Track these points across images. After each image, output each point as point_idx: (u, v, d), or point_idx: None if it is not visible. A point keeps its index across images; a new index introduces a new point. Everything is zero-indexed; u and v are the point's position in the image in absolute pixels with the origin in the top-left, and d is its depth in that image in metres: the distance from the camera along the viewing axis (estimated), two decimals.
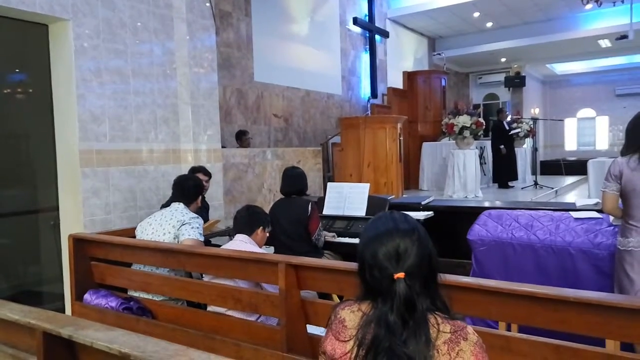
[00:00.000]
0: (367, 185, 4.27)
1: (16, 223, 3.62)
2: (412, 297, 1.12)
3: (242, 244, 2.74)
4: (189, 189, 3.16)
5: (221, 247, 2.94)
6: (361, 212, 4.04)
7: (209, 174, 3.97)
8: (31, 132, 3.70)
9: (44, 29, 3.56)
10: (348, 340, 1.16)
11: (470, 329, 1.15)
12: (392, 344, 1.09)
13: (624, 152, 2.67)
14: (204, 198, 3.98)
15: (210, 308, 2.68)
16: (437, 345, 1.10)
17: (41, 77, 3.60)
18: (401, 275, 1.13)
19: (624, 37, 9.55)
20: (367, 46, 9.78)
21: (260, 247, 2.91)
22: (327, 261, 2.92)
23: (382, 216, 1.28)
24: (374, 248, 1.17)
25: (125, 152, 3.84)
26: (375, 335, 1.11)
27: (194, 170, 3.88)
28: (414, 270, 1.14)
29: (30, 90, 3.74)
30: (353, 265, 2.03)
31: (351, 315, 1.20)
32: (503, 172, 8.84)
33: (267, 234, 2.98)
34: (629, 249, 2.59)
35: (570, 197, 8.49)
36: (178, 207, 3.06)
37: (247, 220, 2.86)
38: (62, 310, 3.55)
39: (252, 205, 3.02)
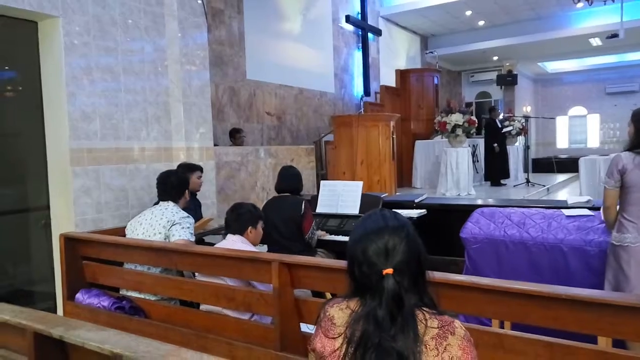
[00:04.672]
0: (361, 183, 4.27)
1: (6, 222, 3.58)
2: (401, 293, 1.13)
3: (234, 243, 2.72)
4: (173, 186, 3.09)
5: (214, 245, 2.93)
6: (354, 210, 4.04)
7: (202, 170, 3.94)
8: (21, 131, 3.65)
9: (33, 26, 3.51)
10: (337, 338, 1.17)
11: (457, 323, 1.16)
12: (382, 340, 1.10)
13: (631, 148, 2.63)
14: (195, 195, 3.96)
15: (203, 307, 2.66)
16: (425, 340, 1.11)
17: (31, 75, 3.56)
18: (390, 271, 1.14)
19: (614, 35, 9.61)
20: (360, 44, 9.78)
21: (256, 244, 2.87)
22: (321, 260, 2.91)
23: (372, 214, 1.29)
24: (364, 245, 1.19)
25: (116, 150, 3.81)
26: (364, 331, 1.12)
27: (189, 168, 3.81)
28: (403, 267, 1.16)
29: (20, 88, 3.70)
30: (346, 264, 2.03)
31: (340, 313, 1.21)
32: (495, 170, 8.88)
33: (261, 230, 2.93)
34: (625, 244, 2.58)
35: (562, 195, 8.55)
36: (168, 205, 3.03)
37: (235, 223, 2.82)
38: (54, 310, 3.51)
39: (238, 205, 2.92)
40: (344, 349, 1.14)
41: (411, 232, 1.21)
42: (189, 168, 3.81)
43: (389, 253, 1.16)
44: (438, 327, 1.13)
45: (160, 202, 3.08)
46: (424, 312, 1.15)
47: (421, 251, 1.21)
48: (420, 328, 1.11)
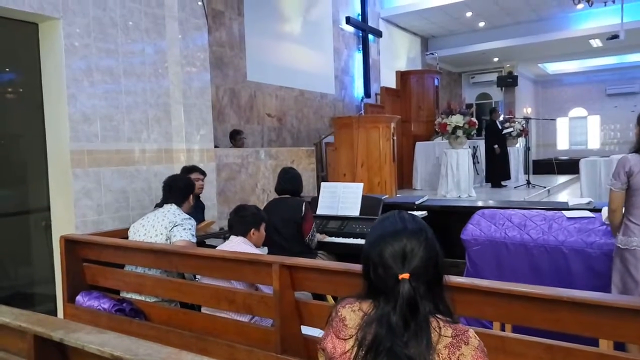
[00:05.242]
0: (361, 185, 4.27)
1: (7, 224, 3.58)
2: (416, 299, 1.10)
3: (237, 245, 2.72)
4: (179, 189, 3.12)
5: (216, 247, 2.93)
6: (355, 211, 4.04)
7: (203, 173, 3.95)
8: (21, 132, 3.66)
9: (34, 28, 3.52)
10: (348, 339, 1.16)
11: (472, 332, 1.13)
12: (394, 345, 1.08)
13: (637, 150, 2.61)
14: (199, 198, 3.96)
15: (204, 309, 2.66)
16: (437, 349, 1.09)
17: (31, 77, 3.56)
18: (406, 276, 1.12)
19: (615, 37, 9.61)
20: (360, 46, 9.78)
21: (258, 246, 2.89)
22: (322, 262, 2.91)
23: (390, 216, 1.26)
24: (381, 247, 1.16)
25: (117, 152, 3.81)
26: (376, 335, 1.10)
27: (188, 170, 3.85)
28: (420, 272, 1.13)
29: (21, 90, 3.70)
30: (348, 266, 2.03)
31: (352, 315, 1.19)
32: (496, 171, 8.88)
33: (264, 232, 2.95)
34: (632, 248, 2.56)
35: (562, 196, 8.55)
36: (170, 208, 3.04)
37: (238, 225, 2.83)
38: (54, 312, 3.51)
39: (241, 207, 2.94)
40: (354, 351, 1.12)
41: (430, 236, 1.18)
42: (187, 170, 3.83)
43: (406, 257, 1.13)
44: (452, 336, 1.10)
45: (164, 205, 3.09)
46: (438, 319, 1.12)
47: (439, 256, 1.17)
48: (433, 336, 1.09)
